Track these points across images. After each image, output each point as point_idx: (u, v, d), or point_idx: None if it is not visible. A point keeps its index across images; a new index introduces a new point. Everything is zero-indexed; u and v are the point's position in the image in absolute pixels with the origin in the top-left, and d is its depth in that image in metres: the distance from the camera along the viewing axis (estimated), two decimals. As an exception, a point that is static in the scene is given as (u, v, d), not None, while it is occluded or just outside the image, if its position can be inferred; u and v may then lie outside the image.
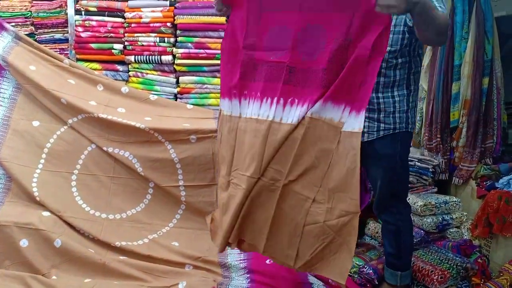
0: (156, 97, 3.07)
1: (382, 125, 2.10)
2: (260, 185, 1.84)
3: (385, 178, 2.15)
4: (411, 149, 3.37)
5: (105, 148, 2.79)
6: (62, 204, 2.65)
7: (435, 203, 2.72)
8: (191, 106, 3.09)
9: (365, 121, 1.94)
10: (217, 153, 2.13)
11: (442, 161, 3.22)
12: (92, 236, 2.58)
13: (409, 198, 2.81)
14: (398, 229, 2.23)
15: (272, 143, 1.82)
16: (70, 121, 2.82)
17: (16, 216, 2.52)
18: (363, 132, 1.83)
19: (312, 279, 2.39)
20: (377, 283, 2.38)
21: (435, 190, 3.13)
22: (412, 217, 2.76)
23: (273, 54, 1.89)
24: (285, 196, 1.83)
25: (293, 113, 1.81)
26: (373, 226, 2.84)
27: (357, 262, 2.49)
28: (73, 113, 2.81)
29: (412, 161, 3.11)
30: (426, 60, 3.51)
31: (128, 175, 2.81)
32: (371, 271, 2.40)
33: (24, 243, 2.43)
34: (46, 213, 2.59)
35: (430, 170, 3.14)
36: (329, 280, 2.34)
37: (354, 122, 1.69)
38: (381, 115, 2.10)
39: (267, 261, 2.49)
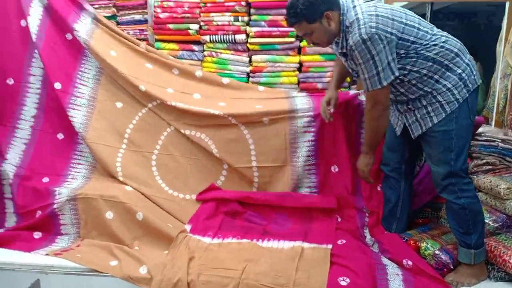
0: (228, 80, 3.13)
1: (432, 113, 2.24)
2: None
3: (440, 156, 2.23)
4: (494, 129, 3.20)
5: (182, 131, 2.90)
6: (144, 183, 2.81)
7: (520, 185, 2.57)
8: (263, 87, 3.13)
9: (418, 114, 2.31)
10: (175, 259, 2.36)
11: (528, 141, 3.02)
12: (171, 213, 2.72)
13: (490, 181, 2.68)
14: (462, 207, 2.22)
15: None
16: (150, 105, 2.95)
17: (102, 189, 2.70)
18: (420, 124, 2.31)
19: (385, 260, 2.38)
20: (452, 268, 2.32)
21: (520, 172, 2.96)
22: (494, 201, 2.64)
23: (250, 223, 2.70)
24: None
25: (271, 243, 2.53)
26: (450, 209, 2.74)
27: (432, 245, 2.42)
28: (152, 98, 2.94)
29: (494, 141, 2.94)
30: (513, 34, 3.28)
31: (204, 156, 2.92)
32: (447, 255, 2.34)
33: (109, 215, 2.60)
34: (128, 188, 2.76)
35: (515, 151, 2.97)
36: (403, 261, 2.32)
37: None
38: (429, 109, 2.24)
39: (339, 242, 2.52)
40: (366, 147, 2.48)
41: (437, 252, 2.37)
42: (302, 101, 2.94)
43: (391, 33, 2.12)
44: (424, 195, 2.83)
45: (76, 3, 3.07)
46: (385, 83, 2.16)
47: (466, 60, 2.24)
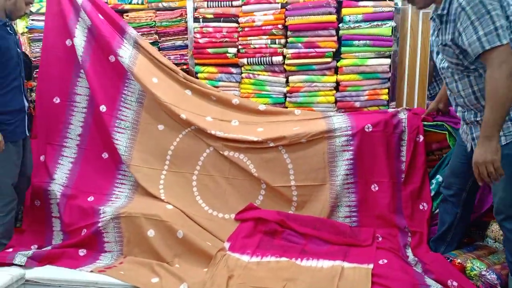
0: (264, 107, 3.17)
1: (501, 132, 1.98)
2: None
3: (508, 181, 2.00)
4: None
5: (221, 152, 2.96)
6: (184, 203, 2.86)
7: None
8: (299, 111, 3.14)
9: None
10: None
11: None
12: (210, 232, 2.76)
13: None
14: None
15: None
16: (189, 128, 3.03)
17: (144, 208, 2.77)
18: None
19: (429, 281, 2.31)
20: (500, 288, 2.23)
21: None
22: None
23: (289, 243, 2.68)
24: None
25: (310, 262, 2.50)
26: (496, 228, 2.64)
27: (478, 265, 2.34)
28: (192, 125, 3.02)
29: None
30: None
31: (242, 176, 2.95)
32: (494, 276, 2.25)
33: (151, 233, 2.66)
34: (169, 206, 2.82)
35: None
36: (448, 282, 2.25)
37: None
38: None
39: (380, 261, 2.47)
40: (490, 127, 1.90)
41: (483, 272, 2.29)
42: (339, 120, 2.94)
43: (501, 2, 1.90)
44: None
45: (117, 26, 3.18)
46: (505, 41, 1.84)
47: None
